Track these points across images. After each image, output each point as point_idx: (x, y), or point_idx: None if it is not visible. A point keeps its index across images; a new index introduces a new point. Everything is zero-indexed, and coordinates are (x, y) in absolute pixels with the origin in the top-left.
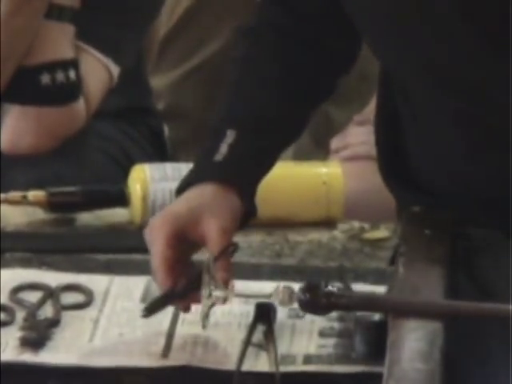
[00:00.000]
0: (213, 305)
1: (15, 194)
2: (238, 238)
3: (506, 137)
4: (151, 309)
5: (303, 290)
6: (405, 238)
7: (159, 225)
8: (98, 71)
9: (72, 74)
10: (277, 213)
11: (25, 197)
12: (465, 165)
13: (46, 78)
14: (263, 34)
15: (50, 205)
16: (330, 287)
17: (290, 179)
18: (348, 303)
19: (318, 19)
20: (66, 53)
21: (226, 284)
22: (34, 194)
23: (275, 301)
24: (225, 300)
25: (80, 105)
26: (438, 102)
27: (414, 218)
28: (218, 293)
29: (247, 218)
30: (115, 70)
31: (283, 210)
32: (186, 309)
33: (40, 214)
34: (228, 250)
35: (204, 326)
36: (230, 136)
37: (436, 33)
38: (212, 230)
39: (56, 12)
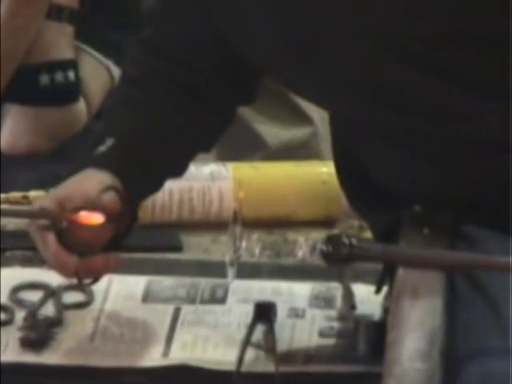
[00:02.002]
0: (238, 255)
1: (16, 195)
2: None
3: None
4: None
5: (325, 242)
6: (404, 238)
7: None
8: (99, 73)
9: (71, 74)
10: (276, 212)
11: (25, 197)
12: (426, 176)
13: (44, 79)
14: (152, 82)
15: None
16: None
17: (290, 178)
18: (368, 254)
19: (211, 74)
20: (66, 53)
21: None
22: (34, 195)
23: (298, 253)
24: (249, 250)
25: (80, 106)
26: (385, 127)
27: (413, 218)
28: (243, 243)
29: (129, 222)
30: (116, 71)
31: (282, 209)
32: None
33: None
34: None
35: (230, 276)
36: (109, 142)
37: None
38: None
39: (55, 12)
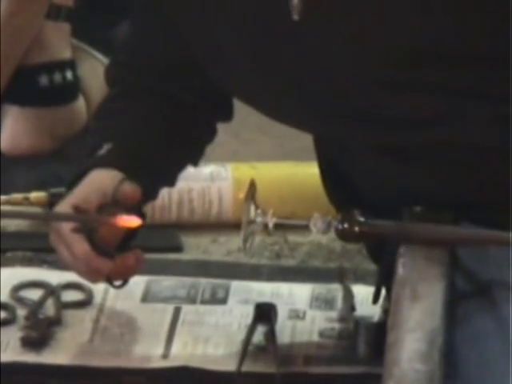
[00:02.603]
0: (253, 232)
1: (17, 196)
2: (238, 238)
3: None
4: None
5: (340, 220)
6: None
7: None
8: (98, 71)
9: (69, 74)
10: (276, 213)
11: (26, 198)
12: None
13: (43, 79)
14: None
15: (51, 205)
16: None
17: (290, 179)
18: (381, 231)
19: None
20: (63, 53)
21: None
22: (35, 196)
23: (312, 229)
24: (265, 226)
25: (79, 104)
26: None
27: (413, 218)
28: (258, 219)
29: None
30: None
31: (282, 209)
32: None
33: None
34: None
35: (245, 251)
36: (107, 147)
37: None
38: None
39: (54, 12)
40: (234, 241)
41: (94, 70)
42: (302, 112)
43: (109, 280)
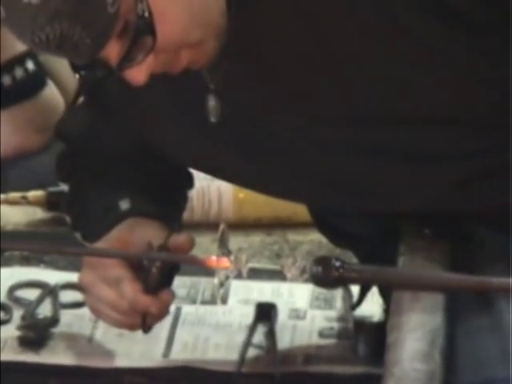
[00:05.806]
0: (227, 277)
1: (15, 195)
2: (238, 238)
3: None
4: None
5: (315, 264)
6: (404, 238)
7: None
8: None
9: (30, 65)
10: (277, 213)
11: (24, 197)
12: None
13: (6, 79)
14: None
15: (49, 204)
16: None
17: None
18: (358, 277)
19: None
20: (18, 46)
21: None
22: (33, 195)
23: (287, 275)
24: (238, 273)
25: (50, 90)
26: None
27: (414, 218)
28: (232, 265)
29: None
30: None
31: (283, 210)
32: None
33: (39, 214)
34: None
35: (218, 299)
36: (125, 203)
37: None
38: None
39: None
40: (234, 240)
41: None
42: (283, 182)
43: (143, 322)
